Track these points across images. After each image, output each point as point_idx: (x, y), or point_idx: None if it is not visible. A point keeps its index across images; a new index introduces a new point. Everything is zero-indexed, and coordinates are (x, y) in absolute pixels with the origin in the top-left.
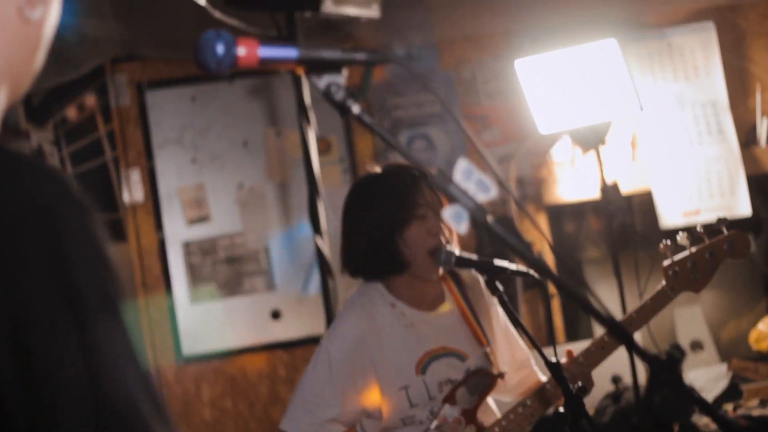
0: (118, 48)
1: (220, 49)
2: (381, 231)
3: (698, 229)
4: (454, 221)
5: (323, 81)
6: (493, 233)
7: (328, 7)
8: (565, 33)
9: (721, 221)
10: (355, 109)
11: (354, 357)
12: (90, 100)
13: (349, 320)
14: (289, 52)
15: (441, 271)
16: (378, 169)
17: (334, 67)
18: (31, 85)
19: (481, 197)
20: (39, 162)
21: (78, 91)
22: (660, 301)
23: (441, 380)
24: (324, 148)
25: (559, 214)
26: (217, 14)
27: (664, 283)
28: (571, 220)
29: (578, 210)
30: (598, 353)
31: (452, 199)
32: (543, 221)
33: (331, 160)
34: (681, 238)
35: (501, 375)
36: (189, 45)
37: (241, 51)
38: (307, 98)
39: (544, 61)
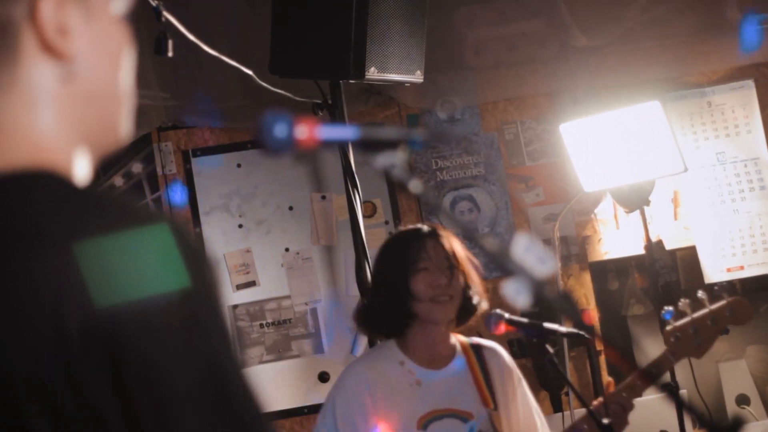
0: (164, 116)
1: (279, 131)
2: (387, 287)
3: (699, 295)
4: (515, 296)
5: (381, 159)
6: (553, 308)
7: (373, 74)
8: (607, 94)
9: (722, 288)
10: (416, 187)
11: (357, 407)
12: (137, 167)
13: (355, 372)
14: (348, 133)
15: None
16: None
17: (391, 145)
18: (118, 138)
19: (541, 271)
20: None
21: (125, 160)
22: (662, 366)
23: None
24: (369, 211)
25: (603, 271)
26: (262, 83)
27: (665, 348)
28: (615, 277)
29: (622, 267)
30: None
31: (511, 274)
32: (587, 279)
33: (376, 222)
34: (683, 304)
35: None
36: (234, 113)
37: (301, 133)
38: (353, 162)
39: (589, 124)
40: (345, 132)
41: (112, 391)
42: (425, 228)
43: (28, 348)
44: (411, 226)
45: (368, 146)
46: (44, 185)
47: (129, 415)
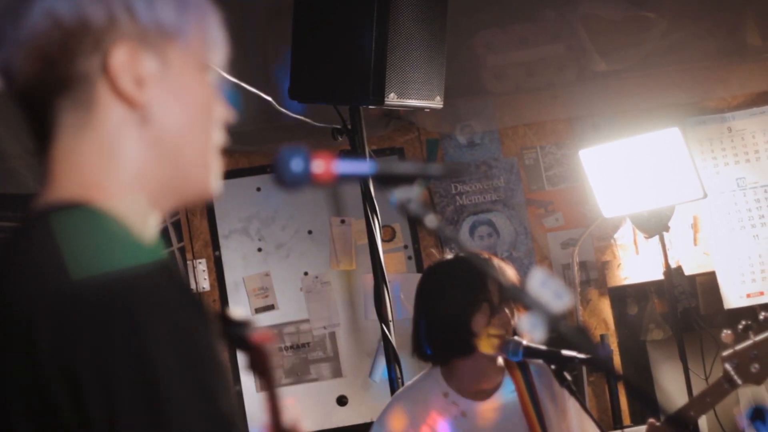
0: None
1: (296, 166)
2: (453, 313)
3: (762, 317)
4: (531, 330)
5: (397, 194)
6: (568, 342)
7: (392, 100)
8: (627, 119)
9: None
10: (430, 222)
11: None
12: None
13: (399, 404)
14: (365, 168)
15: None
16: (450, 256)
17: (407, 180)
18: (200, 191)
19: (557, 305)
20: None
21: None
22: (718, 394)
23: None
24: (388, 235)
25: (622, 296)
26: (282, 109)
27: (722, 374)
28: (635, 302)
29: (641, 292)
30: None
31: (527, 308)
32: (606, 304)
33: (395, 246)
34: (742, 327)
35: None
36: (253, 137)
37: (318, 168)
38: (372, 188)
39: (609, 150)
40: (361, 167)
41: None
42: (486, 256)
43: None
44: (468, 252)
45: (385, 180)
46: (81, 220)
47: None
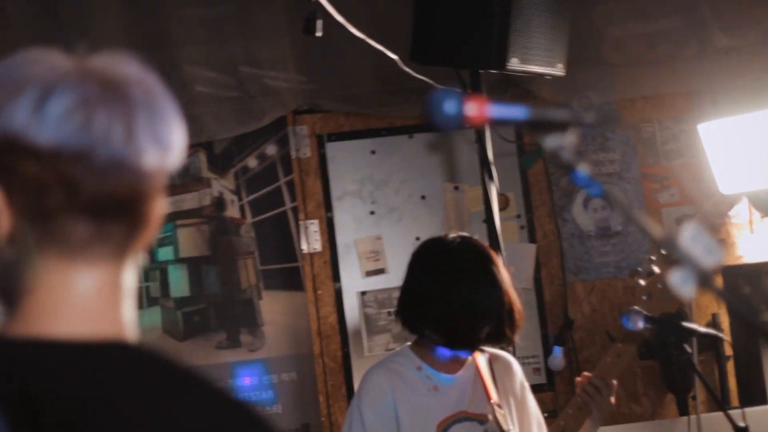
0: (300, 100)
1: (449, 107)
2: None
3: (653, 258)
4: (682, 286)
5: (548, 141)
6: (722, 297)
7: (514, 65)
8: (746, 95)
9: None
10: (582, 170)
11: (384, 415)
12: (271, 150)
13: (376, 379)
14: (519, 113)
15: None
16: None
17: (560, 127)
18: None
19: (709, 262)
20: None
21: (259, 141)
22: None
23: None
24: (502, 203)
25: (735, 274)
26: (406, 68)
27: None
28: (747, 282)
29: (755, 272)
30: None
31: (679, 264)
32: (718, 282)
33: (508, 215)
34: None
35: None
36: (369, 98)
37: (470, 110)
38: (490, 153)
39: (729, 125)
40: (514, 111)
41: None
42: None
43: None
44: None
45: (537, 126)
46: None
47: None
